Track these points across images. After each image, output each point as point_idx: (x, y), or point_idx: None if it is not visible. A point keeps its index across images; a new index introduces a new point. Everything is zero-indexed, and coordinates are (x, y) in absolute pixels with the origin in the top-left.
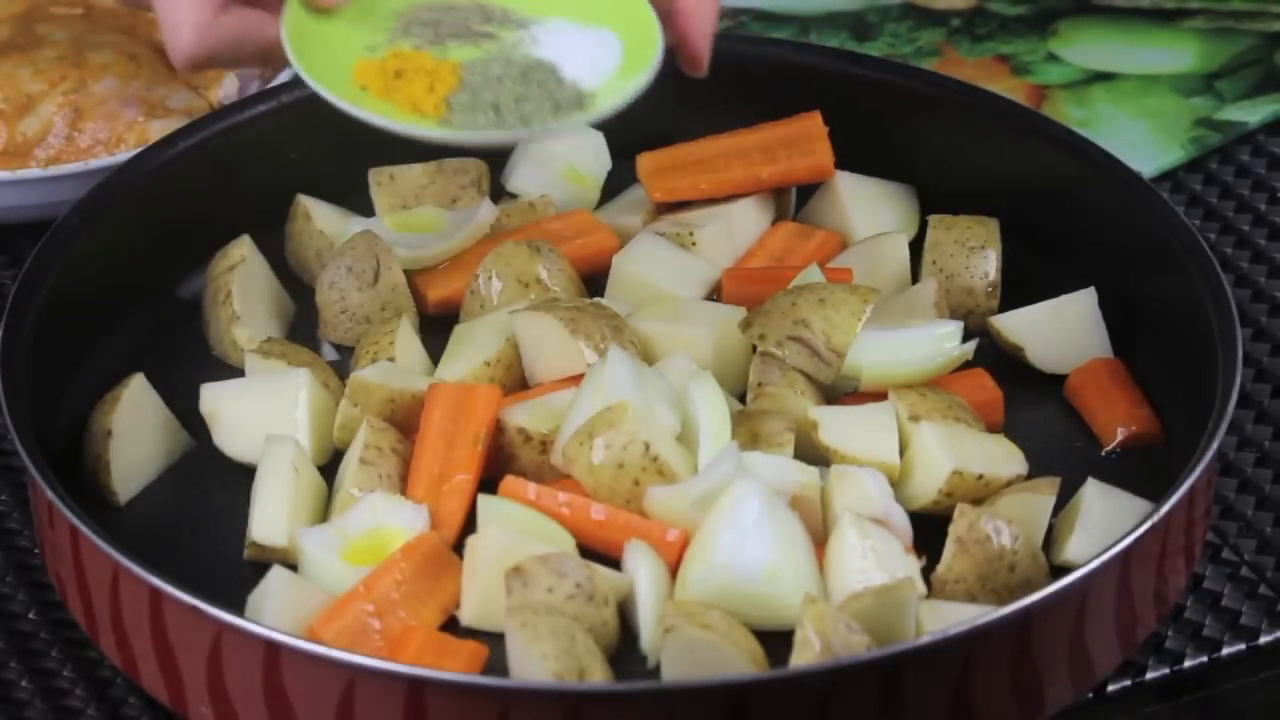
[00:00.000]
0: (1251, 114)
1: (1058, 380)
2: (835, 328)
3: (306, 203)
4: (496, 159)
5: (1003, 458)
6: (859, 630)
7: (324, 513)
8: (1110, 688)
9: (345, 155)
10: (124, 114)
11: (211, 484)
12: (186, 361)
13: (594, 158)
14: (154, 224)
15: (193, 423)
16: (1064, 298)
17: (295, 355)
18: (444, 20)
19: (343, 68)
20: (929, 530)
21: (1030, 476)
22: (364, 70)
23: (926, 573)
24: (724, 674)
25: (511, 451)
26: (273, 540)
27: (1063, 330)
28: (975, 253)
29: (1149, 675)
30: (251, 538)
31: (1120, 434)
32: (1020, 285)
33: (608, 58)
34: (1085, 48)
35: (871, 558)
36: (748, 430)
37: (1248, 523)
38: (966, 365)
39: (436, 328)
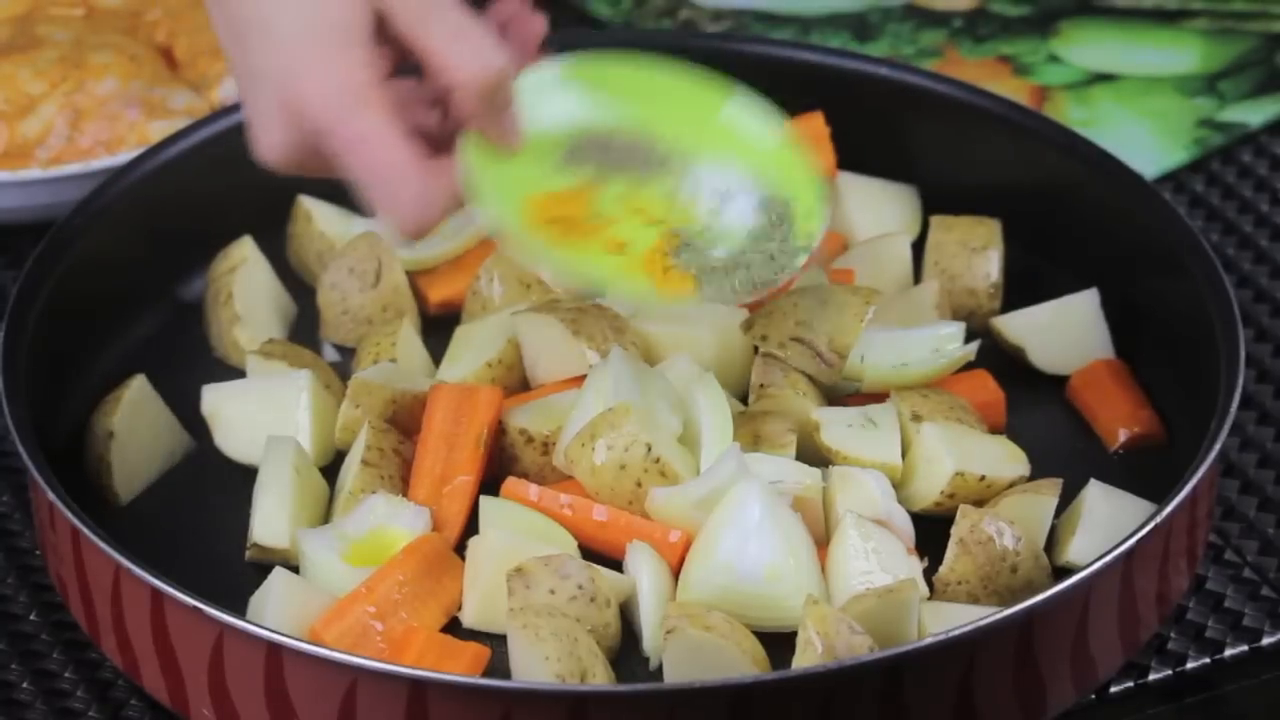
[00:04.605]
0: (1254, 115)
1: (1060, 381)
2: (837, 329)
3: (308, 204)
4: None
5: (1005, 459)
6: (861, 632)
7: (325, 514)
8: (1113, 689)
9: None
10: (124, 115)
11: (213, 485)
12: (188, 363)
13: None
14: (155, 225)
15: (194, 424)
16: (1066, 299)
17: (297, 356)
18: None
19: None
20: (931, 532)
21: (1032, 478)
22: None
23: (929, 574)
24: (726, 675)
25: (513, 453)
26: (274, 542)
27: (1065, 331)
28: (977, 254)
29: (1151, 677)
30: (253, 539)
31: (1122, 435)
32: (1022, 286)
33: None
34: (1087, 48)
35: (874, 559)
36: (750, 431)
37: (1250, 524)
38: (968, 366)
39: (438, 329)
